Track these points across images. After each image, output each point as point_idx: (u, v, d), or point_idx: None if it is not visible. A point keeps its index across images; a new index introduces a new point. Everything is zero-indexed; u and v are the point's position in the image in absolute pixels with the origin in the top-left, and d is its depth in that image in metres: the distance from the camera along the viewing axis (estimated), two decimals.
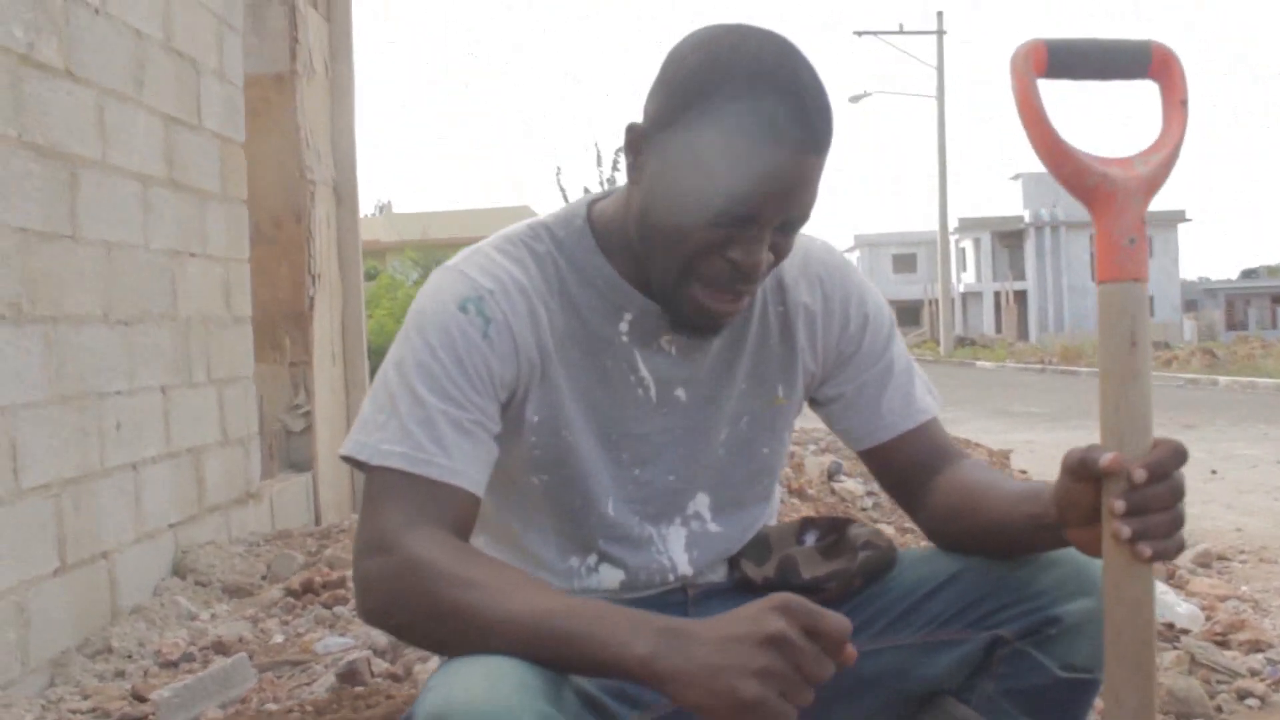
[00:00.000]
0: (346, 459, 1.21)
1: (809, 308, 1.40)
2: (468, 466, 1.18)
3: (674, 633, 0.99)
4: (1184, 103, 1.13)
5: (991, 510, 1.27)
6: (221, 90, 4.22)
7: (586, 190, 13.21)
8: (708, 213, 1.17)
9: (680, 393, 1.34)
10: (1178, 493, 1.04)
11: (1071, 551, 1.21)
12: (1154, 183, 1.09)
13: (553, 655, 1.01)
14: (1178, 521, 1.04)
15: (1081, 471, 1.06)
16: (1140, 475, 1.01)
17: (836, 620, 0.97)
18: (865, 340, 1.42)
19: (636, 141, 1.24)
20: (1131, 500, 1.02)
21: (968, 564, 1.32)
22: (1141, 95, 1.19)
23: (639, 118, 1.26)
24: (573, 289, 1.30)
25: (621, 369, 1.31)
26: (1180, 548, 1.05)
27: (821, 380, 1.43)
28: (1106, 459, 1.03)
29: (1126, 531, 1.02)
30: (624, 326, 1.31)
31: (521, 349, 1.25)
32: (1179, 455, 1.04)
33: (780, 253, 1.24)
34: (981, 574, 1.30)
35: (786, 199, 1.18)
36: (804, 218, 1.23)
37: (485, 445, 1.21)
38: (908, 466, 1.40)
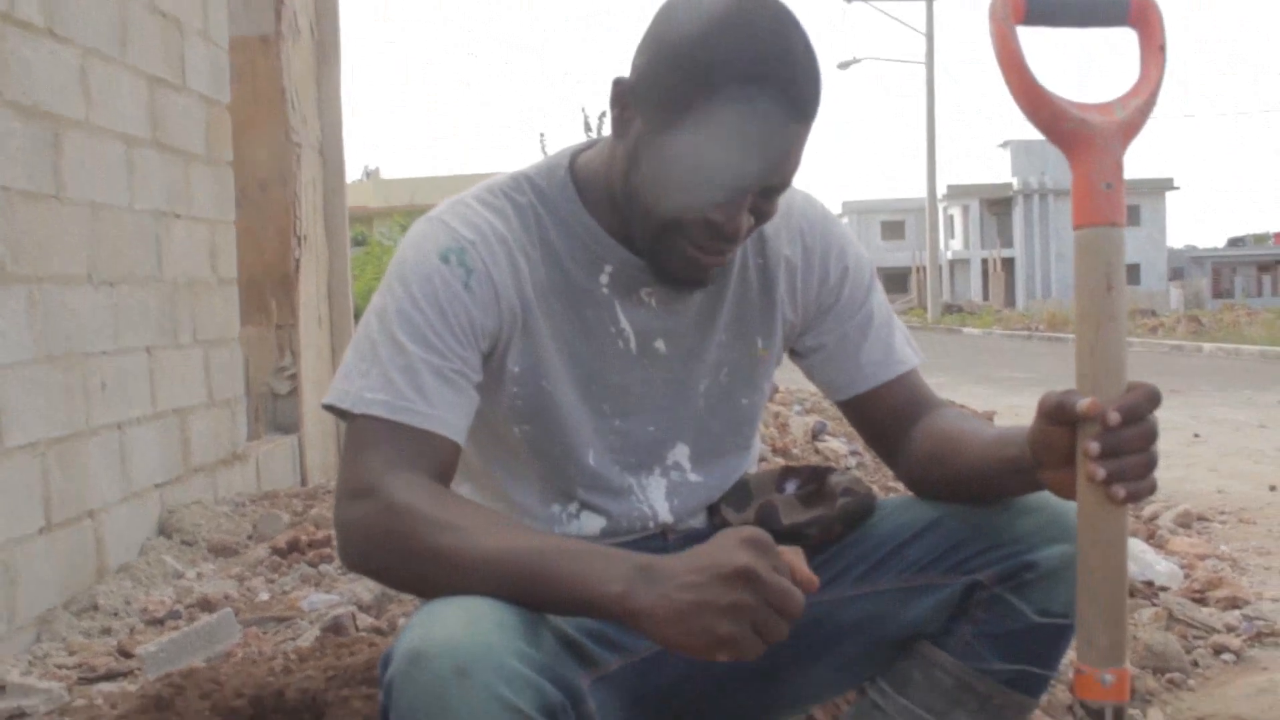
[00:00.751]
0: (329, 407, 1.21)
1: (789, 260, 1.41)
2: (449, 414, 1.19)
3: (647, 569, 1.00)
4: (1162, 48, 1.13)
5: (969, 455, 1.29)
6: (206, 51, 4.19)
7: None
8: (693, 181, 1.18)
9: (660, 344, 1.35)
10: (1151, 435, 1.05)
11: (1048, 497, 1.22)
12: (1132, 128, 1.10)
13: (530, 594, 1.02)
14: (1151, 463, 1.05)
15: (1058, 415, 1.07)
16: (1114, 418, 1.03)
17: (794, 551, 0.99)
18: (845, 291, 1.43)
19: (623, 96, 1.25)
20: (1106, 442, 1.03)
21: (946, 511, 1.33)
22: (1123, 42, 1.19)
23: (626, 73, 1.26)
24: (554, 240, 1.30)
25: (602, 320, 1.32)
26: (1153, 489, 1.06)
27: (801, 331, 1.44)
28: (1084, 404, 1.04)
29: (1101, 473, 1.03)
30: (604, 278, 1.32)
31: (503, 299, 1.26)
32: (1153, 398, 1.05)
33: (762, 215, 1.25)
34: (959, 520, 1.31)
35: (770, 167, 1.19)
36: (786, 183, 1.24)
37: (466, 394, 1.22)
38: (887, 417, 1.41)
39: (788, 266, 1.40)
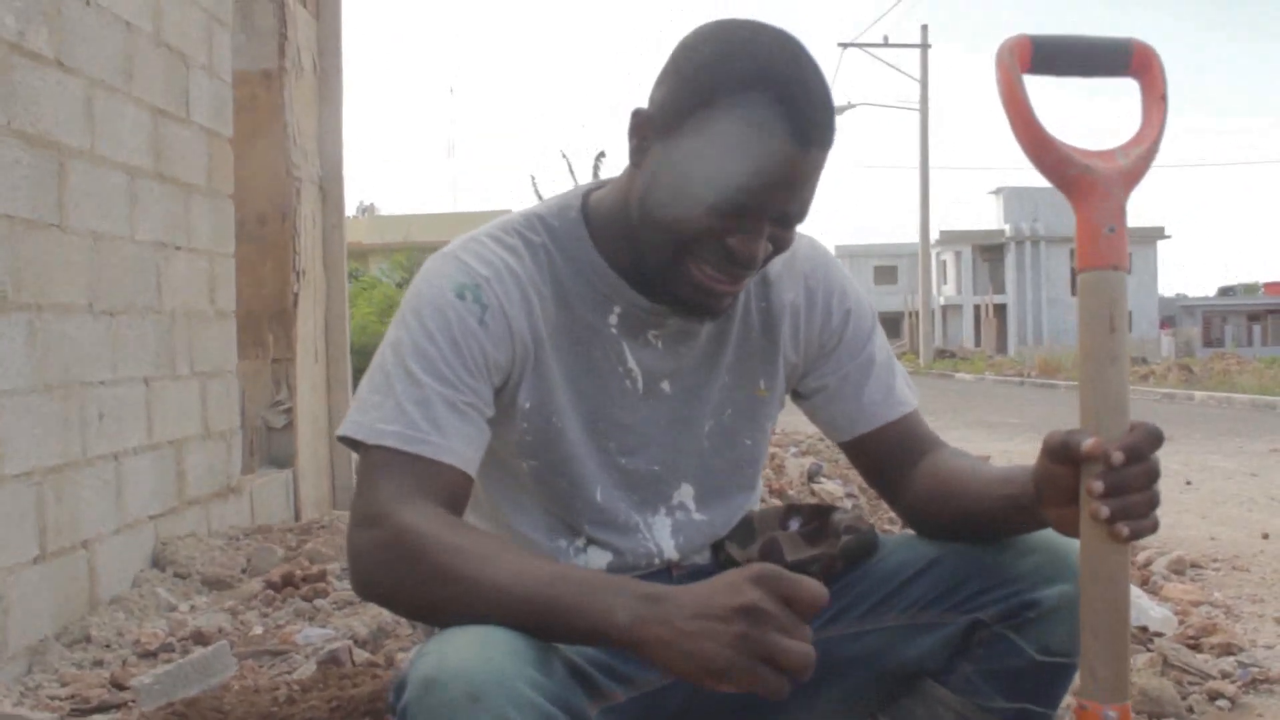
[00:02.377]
0: (343, 439, 1.22)
1: (793, 302, 1.43)
2: (461, 445, 1.20)
3: (654, 600, 1.00)
4: (1163, 97, 1.16)
5: (971, 493, 1.30)
6: (210, 85, 4.23)
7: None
8: (710, 201, 1.19)
9: (665, 385, 1.37)
10: (1153, 474, 1.07)
11: (1049, 536, 1.24)
12: (1134, 175, 1.12)
13: (539, 623, 1.03)
14: (1153, 501, 1.07)
15: (1062, 454, 1.09)
16: (1118, 457, 1.04)
17: (811, 587, 0.98)
18: (847, 334, 1.45)
19: (642, 127, 1.27)
20: (1109, 481, 1.04)
21: (948, 549, 1.34)
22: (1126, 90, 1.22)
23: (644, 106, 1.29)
24: (565, 279, 1.32)
25: (610, 360, 1.34)
26: (1155, 527, 1.07)
27: (804, 373, 1.46)
28: (1088, 444, 1.06)
29: (1105, 511, 1.04)
30: (613, 319, 1.33)
31: (516, 335, 1.28)
32: (1155, 438, 1.06)
33: (779, 245, 1.26)
34: (961, 559, 1.32)
35: (788, 192, 1.21)
36: (803, 213, 1.25)
37: (478, 426, 1.23)
38: (888, 457, 1.43)
39: (791, 309, 1.42)
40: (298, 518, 4.82)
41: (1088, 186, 1.10)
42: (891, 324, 52.37)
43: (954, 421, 12.07)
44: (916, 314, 34.84)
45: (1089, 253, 1.09)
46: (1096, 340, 1.07)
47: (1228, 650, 3.05)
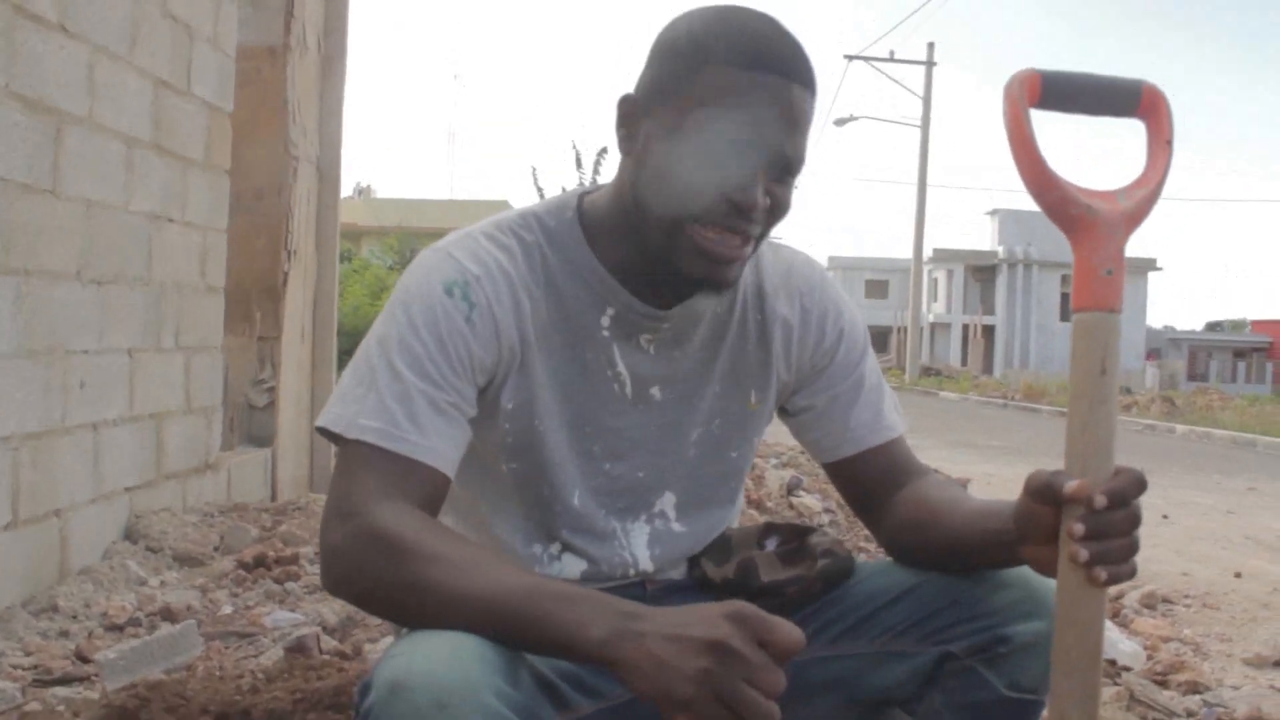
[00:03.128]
0: (322, 430, 1.21)
1: (786, 319, 1.42)
2: (441, 445, 1.19)
3: (630, 617, 1.00)
4: (1169, 142, 1.16)
5: (951, 524, 1.30)
6: (214, 58, 4.21)
7: (564, 189, 13.20)
8: (703, 152, 1.20)
9: (656, 391, 1.36)
10: (1135, 520, 1.06)
11: (1025, 572, 1.23)
12: (1135, 217, 1.12)
13: (511, 633, 1.02)
14: (1133, 548, 1.06)
15: (1045, 494, 1.08)
16: (1101, 501, 1.04)
17: (787, 631, 0.97)
18: (839, 355, 1.44)
19: (630, 112, 1.28)
20: (1091, 525, 1.04)
21: (924, 579, 1.34)
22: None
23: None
24: (559, 280, 1.31)
25: (600, 363, 1.33)
26: (1133, 573, 1.07)
27: (794, 390, 1.45)
28: (1071, 486, 1.05)
29: (1084, 555, 1.04)
30: (606, 321, 1.32)
31: (503, 336, 1.27)
32: (1139, 484, 1.06)
33: (777, 202, 1.24)
34: (937, 589, 1.32)
35: (777, 129, 1.20)
36: (796, 160, 1.24)
37: (460, 426, 1.22)
38: (872, 481, 1.43)
39: (785, 325, 1.42)
40: (274, 498, 4.80)
41: (1088, 227, 1.10)
42: (880, 339, 52.45)
43: (937, 441, 12.09)
44: (905, 330, 34.90)
45: (1085, 293, 1.08)
46: (1087, 382, 1.07)
47: (1194, 689, 3.05)
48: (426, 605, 1.05)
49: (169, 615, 2.81)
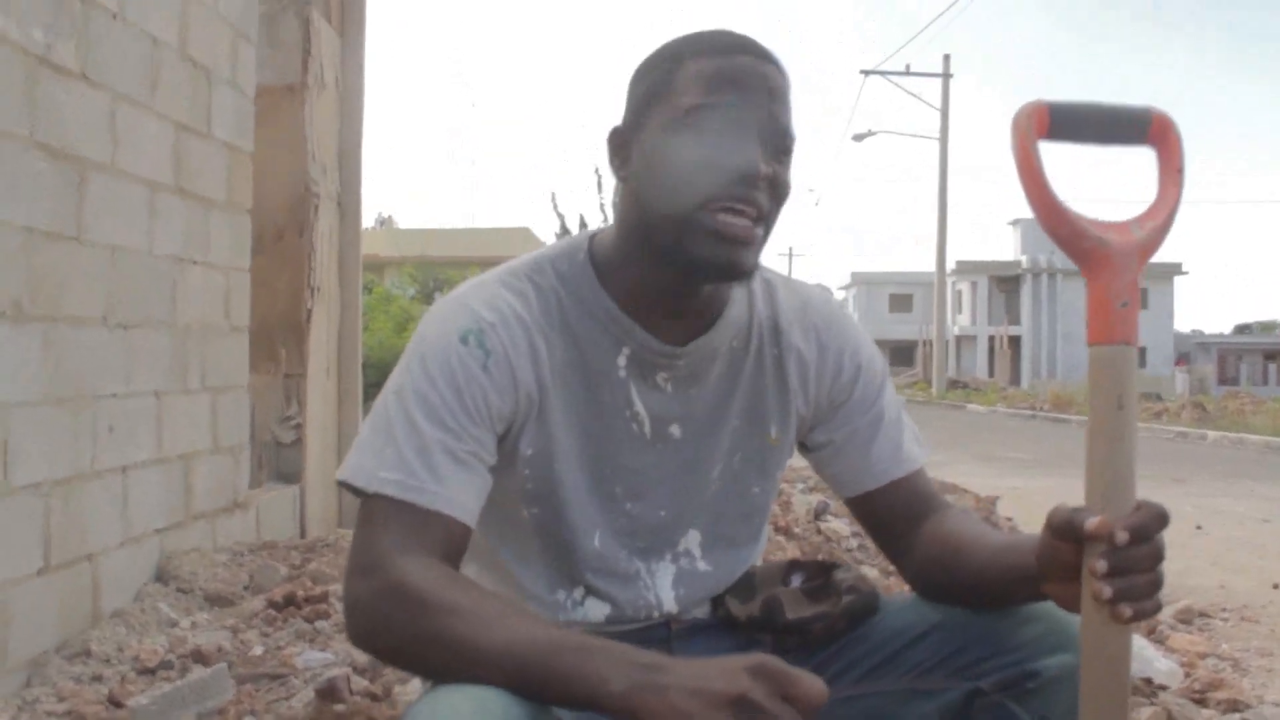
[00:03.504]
0: (343, 484, 1.22)
1: (803, 354, 1.42)
2: (461, 496, 1.20)
3: (652, 669, 0.99)
4: (1180, 170, 1.15)
5: (974, 561, 1.29)
6: (233, 100, 4.25)
7: (582, 217, 13.24)
8: (698, 138, 1.23)
9: (675, 429, 1.36)
10: (1158, 555, 1.05)
11: (1051, 606, 1.22)
12: (1148, 248, 1.11)
13: (534, 687, 1.02)
14: (1157, 583, 1.05)
15: (1066, 532, 1.08)
16: (1123, 537, 1.03)
17: (810, 684, 0.97)
18: (857, 389, 1.44)
19: (621, 139, 1.32)
20: (1113, 561, 1.03)
21: (949, 614, 1.33)
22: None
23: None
24: (574, 322, 1.32)
25: (617, 403, 1.33)
26: (1158, 609, 1.06)
27: (812, 425, 1.45)
28: (1092, 523, 1.05)
29: (1107, 592, 1.03)
30: (622, 361, 1.33)
31: (520, 382, 1.27)
32: (1160, 519, 1.05)
33: (778, 179, 1.26)
34: (962, 625, 1.31)
35: (763, 100, 1.25)
36: (787, 133, 1.27)
37: (480, 475, 1.23)
38: (893, 515, 1.42)
39: (802, 360, 1.42)
40: (303, 534, 4.82)
41: (1102, 259, 1.09)
42: (905, 353, 52.27)
43: (963, 455, 12.04)
44: (930, 343, 34.75)
45: (1100, 327, 1.08)
46: (1105, 417, 1.06)
47: (1234, 706, 3.02)
48: (449, 659, 1.05)
49: (200, 657, 2.82)
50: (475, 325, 1.26)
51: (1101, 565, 1.03)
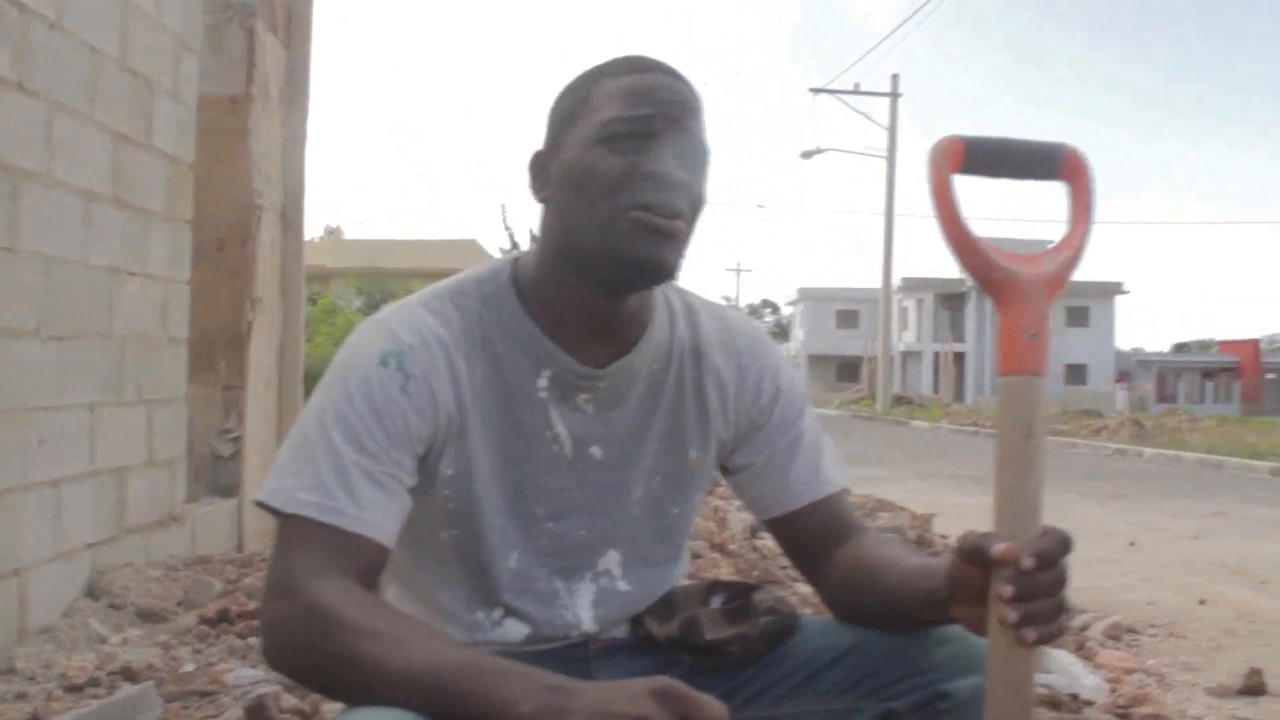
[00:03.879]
0: (261, 504, 1.22)
1: (723, 376, 1.44)
2: (378, 517, 1.20)
3: (559, 692, 1.01)
4: (1090, 206, 1.18)
5: (887, 584, 1.31)
6: (174, 110, 4.22)
7: (532, 232, 13.27)
8: (606, 145, 1.26)
9: (596, 450, 1.37)
10: (1062, 581, 1.08)
11: (964, 628, 1.25)
12: (1058, 281, 1.14)
13: (444, 708, 1.03)
14: (1061, 608, 1.08)
15: (974, 556, 1.10)
16: (1028, 563, 1.05)
17: (711, 707, 0.98)
18: (776, 412, 1.46)
19: (540, 162, 1.36)
20: (1019, 586, 1.05)
21: (865, 636, 1.35)
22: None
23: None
24: (495, 345, 1.33)
25: (538, 424, 1.34)
26: (1061, 633, 1.09)
27: (733, 448, 1.47)
28: (999, 548, 1.07)
29: (1013, 616, 1.05)
30: (543, 383, 1.34)
31: (440, 404, 1.28)
32: (1064, 544, 1.08)
33: (694, 194, 1.30)
34: (877, 647, 1.33)
35: (673, 111, 1.28)
36: (699, 144, 1.31)
37: (398, 497, 1.23)
38: (811, 537, 1.44)
39: (722, 382, 1.44)
40: (241, 549, 4.78)
41: (1011, 291, 1.12)
42: (851, 369, 52.64)
43: (906, 471, 12.14)
44: (876, 359, 35.05)
45: (1010, 357, 1.10)
46: (1013, 445, 1.08)
47: None
48: (362, 680, 1.06)
49: (129, 675, 2.78)
50: (395, 347, 1.27)
51: (1008, 590, 1.05)
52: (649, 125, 1.27)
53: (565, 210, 1.31)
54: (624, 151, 1.26)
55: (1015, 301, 1.12)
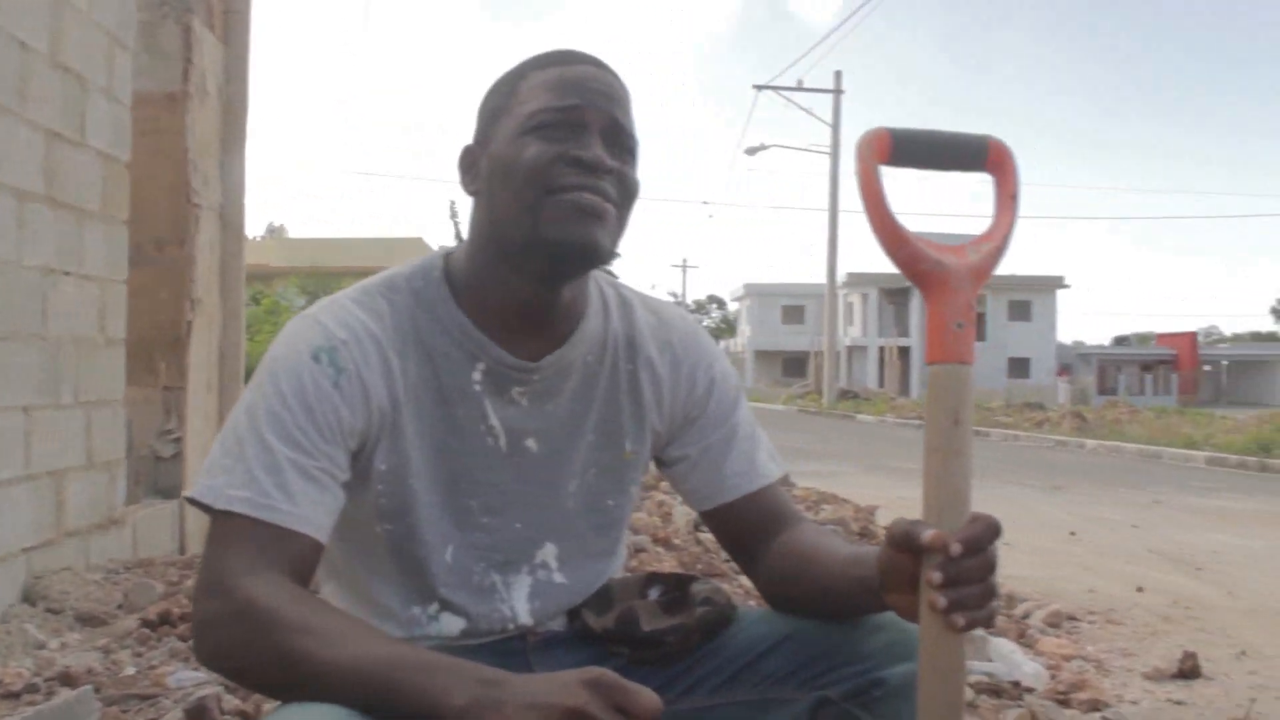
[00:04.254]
0: (191, 501, 1.21)
1: (657, 369, 1.45)
2: (312, 513, 1.20)
3: (492, 684, 1.01)
4: (1014, 196, 1.20)
5: (821, 573, 1.32)
6: (109, 108, 4.16)
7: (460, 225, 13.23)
8: (534, 135, 1.28)
9: (531, 443, 1.38)
10: (990, 566, 1.09)
11: (897, 616, 1.26)
12: (983, 271, 1.15)
13: (378, 703, 1.02)
14: (990, 593, 1.09)
15: (904, 543, 1.11)
16: (956, 549, 1.07)
17: (644, 696, 0.99)
18: (711, 404, 1.47)
19: (470, 156, 1.37)
20: (948, 572, 1.07)
21: (800, 625, 1.36)
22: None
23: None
24: (428, 339, 1.33)
25: (473, 418, 1.34)
26: (991, 618, 1.10)
27: (668, 441, 1.48)
28: (928, 535, 1.08)
29: (942, 602, 1.07)
30: (477, 376, 1.34)
31: (373, 399, 1.28)
32: (993, 530, 1.09)
33: (624, 180, 1.31)
34: (812, 636, 1.34)
35: (599, 99, 1.30)
36: (626, 131, 1.33)
37: (331, 493, 1.23)
38: (747, 528, 1.45)
39: (656, 375, 1.45)
40: (183, 551, 4.72)
41: (938, 282, 1.13)
42: (797, 364, 52.94)
43: (853, 466, 12.23)
44: (822, 354, 35.26)
45: (937, 347, 1.12)
46: (941, 433, 1.10)
47: (1095, 706, 3.13)
48: (295, 677, 1.05)
49: (68, 680, 2.74)
50: (327, 342, 1.27)
51: (937, 576, 1.07)
52: (577, 115, 1.29)
53: (495, 201, 1.31)
54: (552, 140, 1.28)
55: (942, 292, 1.13)
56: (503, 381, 1.35)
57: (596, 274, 1.46)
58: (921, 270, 1.14)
